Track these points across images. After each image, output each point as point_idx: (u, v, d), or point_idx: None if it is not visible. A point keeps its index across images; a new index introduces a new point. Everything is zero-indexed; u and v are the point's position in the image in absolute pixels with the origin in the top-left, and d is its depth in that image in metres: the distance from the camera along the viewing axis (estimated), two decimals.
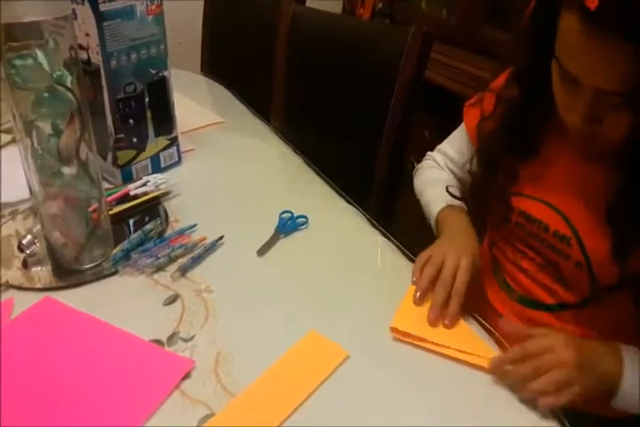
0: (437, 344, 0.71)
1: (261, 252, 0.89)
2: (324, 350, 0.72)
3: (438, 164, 1.00)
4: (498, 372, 0.68)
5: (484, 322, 0.77)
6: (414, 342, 0.72)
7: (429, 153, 1.04)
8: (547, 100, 0.70)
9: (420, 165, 1.05)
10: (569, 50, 0.62)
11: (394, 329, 0.73)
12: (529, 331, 0.71)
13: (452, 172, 0.99)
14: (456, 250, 0.79)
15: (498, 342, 0.73)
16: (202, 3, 1.86)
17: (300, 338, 0.73)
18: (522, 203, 0.81)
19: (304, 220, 0.97)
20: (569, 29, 0.60)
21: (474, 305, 0.91)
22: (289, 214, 0.97)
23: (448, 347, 0.71)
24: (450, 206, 0.90)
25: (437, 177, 0.98)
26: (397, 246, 0.92)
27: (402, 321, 0.74)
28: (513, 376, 0.66)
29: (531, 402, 0.65)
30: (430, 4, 2.17)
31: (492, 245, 0.93)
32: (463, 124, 0.95)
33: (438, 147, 1.02)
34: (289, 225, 0.95)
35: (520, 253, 0.86)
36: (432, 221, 0.91)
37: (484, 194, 0.87)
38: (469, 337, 0.73)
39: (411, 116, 1.28)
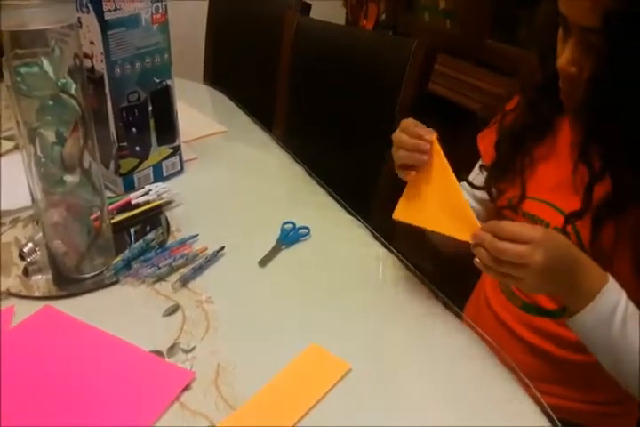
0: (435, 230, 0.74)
1: (263, 262, 0.89)
2: (326, 362, 0.71)
3: None
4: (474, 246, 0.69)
5: (478, 329, 0.76)
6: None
7: None
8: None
9: None
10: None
11: (396, 219, 0.78)
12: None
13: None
14: None
15: (493, 349, 0.73)
16: (205, 13, 1.87)
17: (300, 349, 0.72)
18: (526, 205, 0.82)
19: (306, 231, 0.96)
20: None
21: (475, 312, 0.90)
22: (291, 225, 0.97)
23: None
24: None
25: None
26: (399, 258, 0.92)
27: (402, 212, 0.79)
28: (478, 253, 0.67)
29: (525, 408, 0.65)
30: (434, 15, 2.17)
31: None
32: (479, 164, 0.95)
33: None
34: (291, 236, 0.95)
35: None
36: None
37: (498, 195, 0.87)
38: (464, 221, 0.71)
39: None
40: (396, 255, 0.92)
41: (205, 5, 1.87)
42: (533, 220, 0.81)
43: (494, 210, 0.90)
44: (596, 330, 0.66)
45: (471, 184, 0.92)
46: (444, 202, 0.74)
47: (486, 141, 0.92)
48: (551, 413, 0.64)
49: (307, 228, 0.97)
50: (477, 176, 0.93)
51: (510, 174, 0.84)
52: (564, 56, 0.70)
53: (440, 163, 0.73)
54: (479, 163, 0.95)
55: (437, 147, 0.75)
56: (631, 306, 0.67)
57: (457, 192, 0.73)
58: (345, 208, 1.06)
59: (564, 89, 0.74)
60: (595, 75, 0.67)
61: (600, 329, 0.66)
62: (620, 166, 0.70)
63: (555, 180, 0.80)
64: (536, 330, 0.84)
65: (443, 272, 1.01)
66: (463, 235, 0.69)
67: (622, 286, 0.68)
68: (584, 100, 0.70)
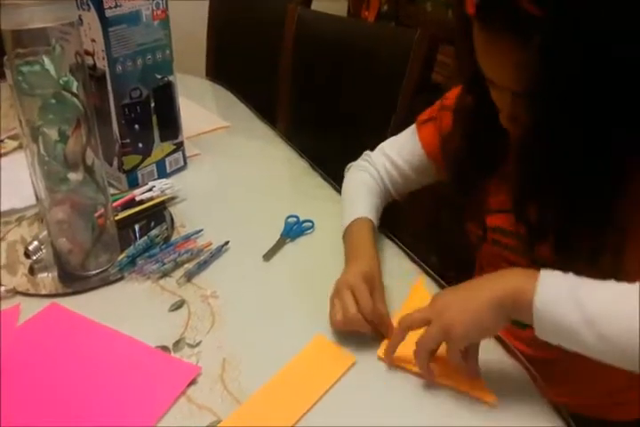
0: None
1: (267, 257, 0.89)
2: (332, 355, 0.71)
3: (376, 167, 0.96)
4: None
5: None
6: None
7: (368, 152, 1.00)
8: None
9: (353, 164, 1.02)
10: (477, 53, 0.63)
11: (380, 358, 0.71)
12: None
13: (389, 174, 0.95)
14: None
15: (500, 342, 0.73)
16: (207, 7, 1.86)
17: (306, 343, 0.73)
18: (494, 219, 0.80)
19: (310, 224, 0.97)
20: (474, 34, 0.62)
21: None
22: (295, 219, 0.97)
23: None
24: (358, 219, 0.87)
25: (365, 184, 0.95)
26: (403, 250, 0.92)
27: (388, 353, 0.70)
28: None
29: (537, 406, 0.64)
30: (436, 5, 2.16)
31: (480, 269, 0.92)
32: (414, 132, 0.92)
33: (381, 147, 0.98)
34: (295, 230, 0.95)
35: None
36: (342, 226, 0.89)
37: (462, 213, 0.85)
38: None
39: (416, 119, 1.28)
40: (400, 247, 0.93)
41: (206, 0, 1.86)
42: (503, 233, 0.79)
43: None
44: (568, 317, 0.58)
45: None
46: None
47: (428, 133, 0.89)
48: (564, 412, 0.64)
49: (311, 221, 0.97)
50: (412, 163, 0.92)
51: (468, 191, 0.82)
52: (503, 115, 0.67)
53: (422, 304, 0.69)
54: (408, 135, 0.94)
55: (421, 288, 0.79)
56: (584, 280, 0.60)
57: None
58: None
59: (514, 135, 0.71)
60: (524, 142, 0.66)
61: (571, 314, 0.57)
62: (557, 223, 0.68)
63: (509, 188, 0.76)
64: (524, 342, 0.82)
65: (447, 264, 1.01)
66: (446, 380, 0.67)
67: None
68: (515, 166, 0.70)
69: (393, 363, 0.69)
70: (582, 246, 0.66)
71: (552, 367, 0.73)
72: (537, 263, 0.67)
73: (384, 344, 0.71)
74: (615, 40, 0.54)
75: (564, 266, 0.62)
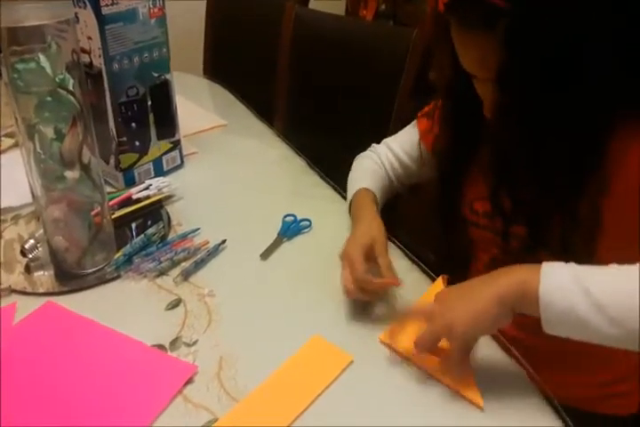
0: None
1: (264, 255, 0.89)
2: (328, 354, 0.71)
3: (380, 157, 1.00)
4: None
5: None
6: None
7: (374, 145, 1.05)
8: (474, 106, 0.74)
9: (361, 155, 1.06)
10: (456, 49, 0.68)
11: (382, 342, 0.72)
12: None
13: (391, 165, 0.99)
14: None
15: (496, 340, 0.73)
16: (204, 5, 1.86)
17: (303, 342, 0.72)
18: (479, 205, 0.82)
19: (307, 223, 0.96)
20: (451, 32, 0.67)
21: None
22: (292, 218, 0.97)
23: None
24: (360, 191, 0.92)
25: (369, 167, 1.00)
26: (401, 249, 0.92)
27: (390, 335, 0.72)
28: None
29: (536, 405, 0.64)
30: None
31: (475, 259, 0.93)
32: (414, 126, 0.97)
33: (385, 141, 1.03)
34: (292, 229, 0.95)
35: (495, 259, 0.85)
36: (347, 201, 0.95)
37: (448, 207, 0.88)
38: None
39: (415, 117, 1.28)
40: (398, 246, 0.92)
41: None
42: (492, 217, 0.80)
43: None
44: (575, 308, 0.57)
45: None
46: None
47: (426, 128, 0.93)
48: (562, 412, 0.64)
49: (308, 220, 0.97)
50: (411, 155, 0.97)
51: (456, 181, 0.84)
52: (487, 105, 0.71)
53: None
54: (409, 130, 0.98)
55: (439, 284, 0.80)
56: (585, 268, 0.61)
57: None
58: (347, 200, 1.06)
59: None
60: (496, 132, 0.71)
61: (578, 301, 0.57)
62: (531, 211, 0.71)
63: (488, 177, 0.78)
64: (521, 327, 0.81)
65: (445, 262, 1.01)
66: (440, 376, 0.67)
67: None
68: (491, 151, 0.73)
69: (393, 347, 0.71)
70: (554, 228, 0.69)
71: (550, 356, 0.74)
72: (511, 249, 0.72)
73: (388, 331, 0.72)
74: (571, 29, 0.58)
75: (536, 251, 0.66)
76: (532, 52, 0.60)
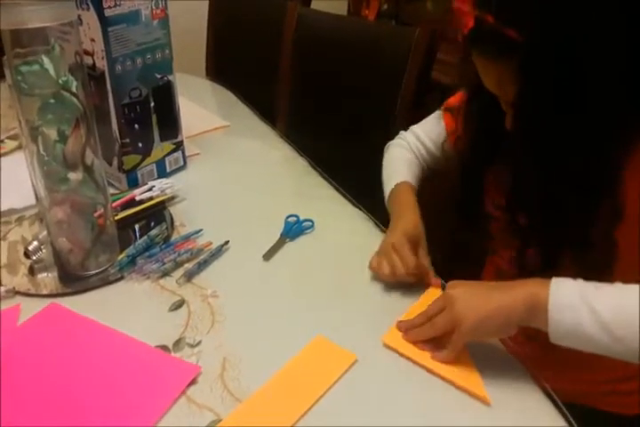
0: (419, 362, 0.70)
1: (267, 256, 0.89)
2: (332, 354, 0.71)
3: (410, 145, 1.03)
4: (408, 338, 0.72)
5: None
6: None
7: (402, 132, 1.07)
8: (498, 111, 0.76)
9: (390, 143, 1.08)
10: (479, 72, 0.71)
11: (386, 345, 0.73)
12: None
13: (418, 151, 1.03)
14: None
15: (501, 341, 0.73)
16: (207, 6, 1.86)
17: (306, 342, 0.72)
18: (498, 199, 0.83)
19: (310, 224, 0.96)
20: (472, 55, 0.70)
21: None
22: (294, 218, 0.97)
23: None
24: (400, 184, 0.95)
25: (403, 156, 1.03)
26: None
27: (392, 338, 0.73)
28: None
29: (540, 404, 0.64)
30: (436, 4, 2.16)
31: (492, 254, 0.93)
32: (439, 116, 1.00)
33: (411, 128, 1.06)
34: (295, 229, 0.95)
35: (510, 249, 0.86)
36: (385, 195, 0.97)
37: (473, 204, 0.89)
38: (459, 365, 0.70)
39: (417, 117, 1.28)
40: None
41: None
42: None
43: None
44: (582, 325, 0.60)
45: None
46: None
47: (450, 120, 0.95)
48: (565, 411, 0.64)
49: (311, 221, 0.97)
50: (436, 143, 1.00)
51: (480, 177, 0.85)
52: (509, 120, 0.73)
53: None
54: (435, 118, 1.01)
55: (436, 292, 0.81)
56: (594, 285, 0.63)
57: None
58: (349, 200, 1.06)
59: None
60: (516, 153, 0.72)
61: (586, 320, 0.60)
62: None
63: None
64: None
65: (450, 263, 1.01)
66: (445, 373, 0.68)
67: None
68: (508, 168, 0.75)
69: (397, 349, 0.71)
70: (567, 251, 0.71)
71: (557, 352, 0.74)
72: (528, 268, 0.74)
73: (390, 331, 0.73)
74: (584, 59, 0.61)
75: (551, 260, 0.69)
76: (545, 80, 0.63)
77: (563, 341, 0.62)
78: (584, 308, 0.60)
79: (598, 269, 0.69)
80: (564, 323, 0.61)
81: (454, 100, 0.94)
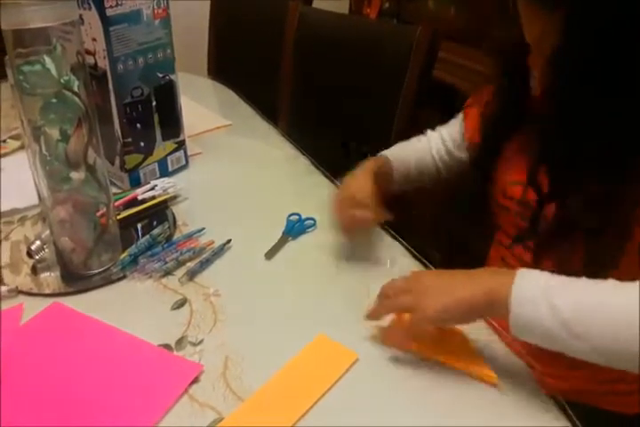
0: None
1: (269, 255, 0.89)
2: (334, 353, 0.71)
3: (429, 140, 1.05)
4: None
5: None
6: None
7: (428, 130, 1.08)
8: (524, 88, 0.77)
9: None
10: (522, 22, 0.70)
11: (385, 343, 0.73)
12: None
13: (438, 150, 1.03)
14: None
15: (497, 333, 0.74)
16: (208, 6, 1.86)
17: (308, 341, 0.73)
18: (509, 189, 0.83)
19: (312, 222, 0.97)
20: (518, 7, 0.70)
21: None
22: (296, 217, 0.97)
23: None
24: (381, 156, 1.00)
25: (411, 142, 1.06)
26: (407, 248, 0.92)
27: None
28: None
29: (542, 404, 0.64)
30: (438, 2, 2.15)
31: (498, 245, 0.93)
32: (461, 116, 1.00)
33: (438, 128, 1.07)
34: (297, 228, 0.95)
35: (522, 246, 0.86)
36: None
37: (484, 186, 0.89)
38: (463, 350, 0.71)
39: (419, 116, 1.28)
40: (404, 245, 0.93)
41: None
42: (527, 205, 0.80)
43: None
44: (545, 317, 0.59)
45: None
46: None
47: (471, 116, 0.95)
48: (570, 411, 0.64)
49: (313, 219, 0.97)
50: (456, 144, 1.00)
51: (494, 160, 0.85)
52: (537, 78, 0.73)
53: None
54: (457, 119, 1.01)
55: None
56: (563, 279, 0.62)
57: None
58: None
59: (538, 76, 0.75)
60: (544, 107, 0.71)
61: (546, 317, 0.58)
62: (565, 189, 0.71)
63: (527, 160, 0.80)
64: None
65: (450, 261, 1.01)
66: (446, 358, 0.69)
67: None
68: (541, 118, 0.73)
69: (394, 344, 0.72)
70: (588, 214, 0.69)
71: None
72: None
73: (384, 332, 0.73)
74: (630, 18, 0.59)
75: (564, 237, 0.68)
76: (587, 34, 0.62)
77: (523, 335, 0.61)
78: (544, 302, 0.58)
79: (606, 254, 0.68)
80: (523, 316, 0.59)
81: (476, 97, 0.95)
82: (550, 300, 0.58)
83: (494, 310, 0.62)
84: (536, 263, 0.75)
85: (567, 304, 0.58)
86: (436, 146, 1.03)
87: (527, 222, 0.79)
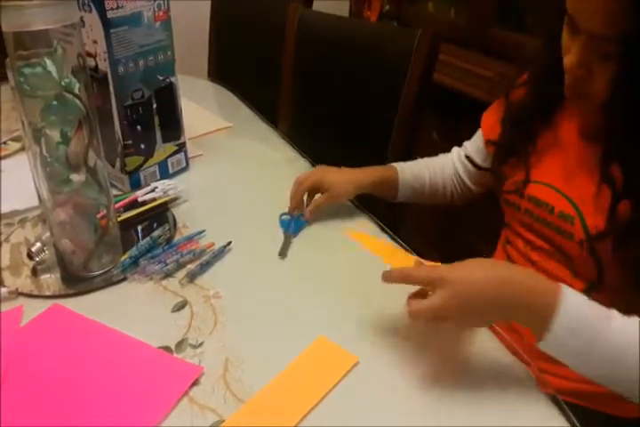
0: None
1: (282, 254, 0.90)
2: (334, 355, 0.71)
3: (452, 157, 1.06)
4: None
5: None
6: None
7: (455, 148, 1.08)
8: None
9: None
10: None
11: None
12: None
13: (463, 164, 1.04)
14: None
15: (498, 337, 0.73)
16: (209, 8, 1.87)
17: (308, 343, 0.72)
18: (530, 189, 0.83)
19: (304, 220, 0.98)
20: None
21: None
22: (288, 216, 0.98)
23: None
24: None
25: (435, 159, 1.08)
26: (407, 250, 0.92)
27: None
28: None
29: (541, 403, 0.64)
30: (438, 5, 2.15)
31: (505, 243, 0.93)
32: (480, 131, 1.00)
33: (464, 143, 1.07)
34: (294, 226, 0.96)
35: (530, 245, 0.86)
36: None
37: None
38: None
39: (419, 119, 1.28)
40: (404, 247, 0.92)
41: (208, 1, 1.87)
42: (537, 204, 0.82)
43: (498, 194, 0.91)
44: (578, 339, 0.61)
45: (477, 166, 0.99)
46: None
47: (492, 119, 0.94)
48: (569, 411, 0.64)
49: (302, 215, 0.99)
50: (479, 152, 0.99)
51: (516, 158, 0.85)
52: (571, 57, 0.67)
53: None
54: (477, 136, 1.01)
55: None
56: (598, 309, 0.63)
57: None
58: (351, 201, 1.06)
59: (569, 84, 0.71)
60: (612, 99, 0.66)
61: (578, 339, 0.61)
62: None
63: (558, 164, 0.81)
64: None
65: (450, 263, 1.01)
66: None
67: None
68: (602, 123, 0.70)
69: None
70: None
71: None
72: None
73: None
74: None
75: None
76: None
77: (548, 351, 0.63)
78: (583, 338, 0.60)
79: None
80: (557, 349, 0.62)
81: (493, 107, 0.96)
82: (590, 335, 0.60)
83: (526, 322, 0.64)
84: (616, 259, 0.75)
85: (602, 347, 0.60)
86: (461, 165, 1.03)
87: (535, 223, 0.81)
